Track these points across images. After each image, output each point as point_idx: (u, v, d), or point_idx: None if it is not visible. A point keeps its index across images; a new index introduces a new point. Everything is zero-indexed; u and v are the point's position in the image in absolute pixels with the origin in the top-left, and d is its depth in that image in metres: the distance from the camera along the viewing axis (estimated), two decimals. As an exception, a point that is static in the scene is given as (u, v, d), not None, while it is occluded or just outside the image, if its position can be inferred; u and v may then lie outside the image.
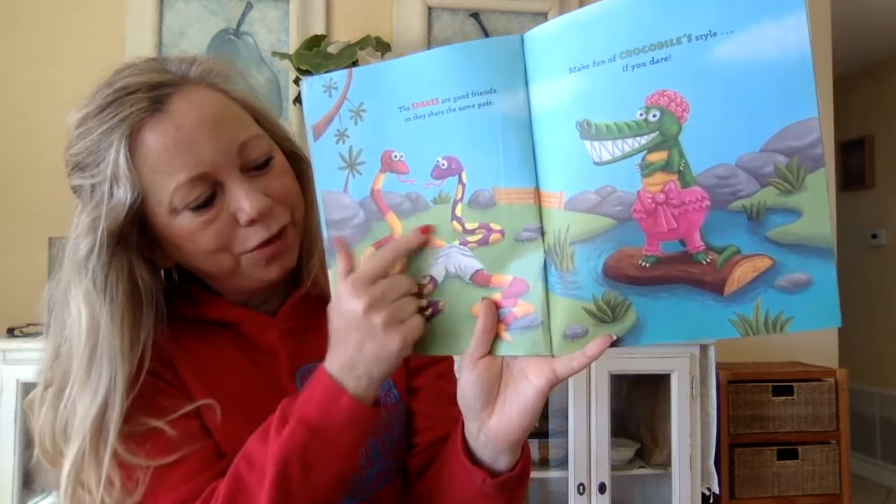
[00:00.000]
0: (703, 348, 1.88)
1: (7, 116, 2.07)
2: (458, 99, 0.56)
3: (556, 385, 0.58)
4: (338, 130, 0.60)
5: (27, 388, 1.67)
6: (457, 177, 0.57)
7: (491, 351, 0.59)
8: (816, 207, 0.48)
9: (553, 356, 0.58)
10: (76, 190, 0.69)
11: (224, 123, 0.67)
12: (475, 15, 2.28)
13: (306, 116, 0.61)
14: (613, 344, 0.55)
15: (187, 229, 0.67)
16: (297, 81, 2.10)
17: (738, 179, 0.49)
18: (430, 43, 2.24)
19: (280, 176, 0.71)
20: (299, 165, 0.75)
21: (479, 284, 0.59)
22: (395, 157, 0.59)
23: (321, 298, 0.75)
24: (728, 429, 2.10)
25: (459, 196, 0.58)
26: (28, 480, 1.71)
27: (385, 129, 0.59)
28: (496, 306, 0.58)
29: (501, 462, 0.64)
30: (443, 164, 0.57)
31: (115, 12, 2.11)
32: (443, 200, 0.58)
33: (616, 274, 0.54)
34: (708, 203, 0.50)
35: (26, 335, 1.75)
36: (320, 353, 0.78)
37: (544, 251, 0.56)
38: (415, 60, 0.57)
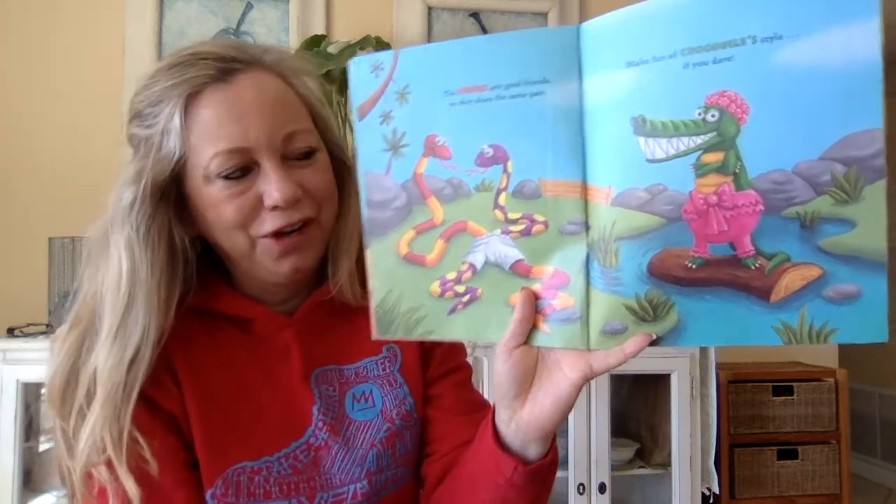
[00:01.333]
0: (704, 348, 1.88)
1: (7, 116, 2.06)
2: (509, 87, 0.55)
3: (591, 379, 0.58)
4: (383, 112, 0.59)
5: (27, 388, 1.67)
6: (502, 165, 0.57)
7: (527, 341, 0.59)
8: (872, 219, 0.47)
9: (589, 350, 0.57)
10: (130, 139, 0.71)
11: (279, 109, 0.69)
12: (475, 15, 2.28)
13: (352, 96, 0.60)
14: (652, 343, 0.55)
15: (215, 198, 0.68)
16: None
17: (793, 186, 0.48)
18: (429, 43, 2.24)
19: (319, 172, 0.71)
20: (342, 173, 0.75)
21: (519, 274, 0.58)
22: (439, 141, 0.58)
23: (345, 305, 0.75)
24: (728, 429, 2.11)
25: (504, 185, 0.57)
26: (28, 480, 1.71)
27: (429, 113, 0.58)
28: (535, 297, 0.58)
29: (531, 451, 0.64)
30: (488, 152, 0.57)
31: (115, 12, 2.11)
32: (486, 188, 0.58)
33: (661, 273, 0.53)
34: (761, 208, 0.49)
35: (26, 335, 1.75)
36: (337, 356, 0.77)
37: (587, 245, 0.56)
38: (465, 44, 0.56)
